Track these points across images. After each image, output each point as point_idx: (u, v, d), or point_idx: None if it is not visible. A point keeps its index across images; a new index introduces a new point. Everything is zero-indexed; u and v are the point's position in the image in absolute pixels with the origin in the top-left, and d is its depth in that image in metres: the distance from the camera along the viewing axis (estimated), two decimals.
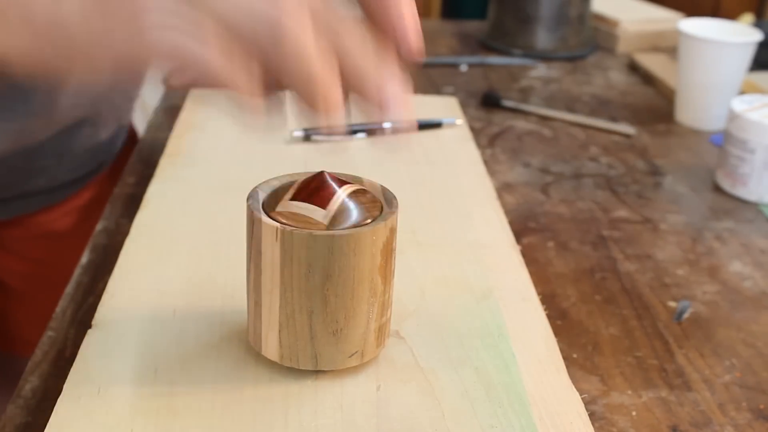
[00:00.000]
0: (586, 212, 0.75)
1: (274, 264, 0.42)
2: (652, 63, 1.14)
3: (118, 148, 0.87)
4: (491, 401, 0.44)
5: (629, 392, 0.52)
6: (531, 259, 0.66)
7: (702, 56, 0.93)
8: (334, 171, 0.45)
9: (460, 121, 0.80)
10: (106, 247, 0.63)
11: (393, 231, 0.43)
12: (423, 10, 2.77)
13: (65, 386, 0.43)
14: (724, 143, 0.81)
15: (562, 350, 0.50)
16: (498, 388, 0.45)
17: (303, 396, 0.44)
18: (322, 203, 0.42)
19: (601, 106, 1.02)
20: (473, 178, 0.69)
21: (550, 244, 0.69)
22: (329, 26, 0.39)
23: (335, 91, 0.39)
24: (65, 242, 0.84)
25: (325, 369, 0.44)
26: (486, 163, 0.80)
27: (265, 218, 0.42)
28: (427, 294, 0.53)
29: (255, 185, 0.45)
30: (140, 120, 0.96)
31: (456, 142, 0.76)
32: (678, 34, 0.95)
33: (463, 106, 0.96)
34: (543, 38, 1.20)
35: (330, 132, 0.40)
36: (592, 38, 1.25)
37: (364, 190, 0.45)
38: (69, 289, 0.58)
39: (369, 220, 0.43)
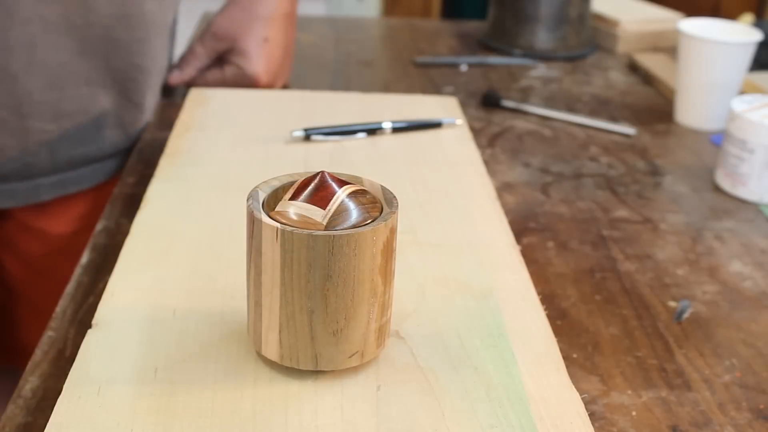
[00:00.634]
0: (586, 212, 0.75)
1: (274, 264, 0.42)
2: (652, 63, 1.14)
3: (125, 143, 0.85)
4: (491, 401, 0.44)
5: (629, 392, 0.52)
6: (531, 259, 0.66)
7: (702, 56, 0.93)
8: (334, 171, 0.45)
9: (460, 121, 0.80)
10: (106, 247, 0.63)
11: (393, 231, 0.43)
12: (423, 10, 2.78)
13: (65, 386, 0.43)
14: (723, 143, 0.81)
15: (562, 350, 0.50)
16: (498, 388, 0.45)
17: (303, 396, 0.44)
18: (322, 203, 0.42)
19: (601, 106, 1.02)
20: (473, 178, 0.69)
21: (550, 244, 0.69)
22: None
23: None
24: (65, 242, 0.84)
25: (325, 369, 0.44)
26: (486, 163, 0.80)
27: (265, 218, 0.42)
28: (427, 294, 0.53)
29: (255, 185, 0.45)
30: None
31: (456, 142, 0.76)
32: (678, 34, 0.95)
33: (463, 106, 0.96)
34: (543, 38, 1.20)
35: None
36: (592, 38, 1.25)
37: (364, 190, 0.45)
38: (69, 289, 0.58)
39: (369, 221, 0.43)
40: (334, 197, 0.43)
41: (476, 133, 0.90)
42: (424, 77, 1.09)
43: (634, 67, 1.16)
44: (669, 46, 1.23)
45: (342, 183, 0.44)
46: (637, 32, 1.24)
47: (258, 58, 0.89)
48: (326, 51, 1.18)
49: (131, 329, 0.48)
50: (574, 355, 0.56)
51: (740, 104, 0.80)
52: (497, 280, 0.55)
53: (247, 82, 0.90)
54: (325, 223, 0.42)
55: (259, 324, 0.44)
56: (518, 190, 0.79)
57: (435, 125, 0.78)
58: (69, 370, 0.45)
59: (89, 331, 0.48)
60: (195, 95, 0.82)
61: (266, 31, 0.89)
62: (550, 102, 1.02)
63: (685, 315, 0.61)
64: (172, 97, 0.93)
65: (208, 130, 0.75)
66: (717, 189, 0.81)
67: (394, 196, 0.45)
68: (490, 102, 0.99)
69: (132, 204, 0.68)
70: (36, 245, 0.85)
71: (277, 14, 0.90)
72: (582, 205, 0.77)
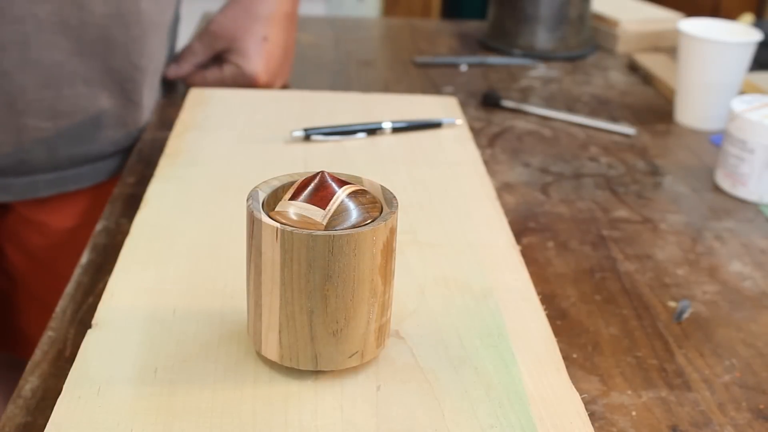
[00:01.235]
0: (586, 212, 0.75)
1: (274, 264, 0.42)
2: (652, 63, 1.14)
3: (124, 144, 0.84)
4: (491, 401, 0.44)
5: (629, 392, 0.52)
6: (531, 259, 0.66)
7: (702, 56, 0.93)
8: (334, 171, 0.45)
9: (460, 121, 0.80)
10: (106, 247, 0.63)
11: (393, 231, 0.43)
12: (423, 10, 2.78)
13: (65, 386, 0.43)
14: (723, 143, 0.81)
15: (562, 350, 0.50)
16: (498, 388, 0.45)
17: (303, 396, 0.44)
18: (322, 203, 0.42)
19: (601, 106, 1.02)
20: (473, 178, 0.69)
21: (550, 244, 0.69)
22: None
23: None
24: (65, 242, 0.84)
25: (325, 369, 0.44)
26: (486, 163, 0.80)
27: (265, 218, 0.42)
28: (427, 294, 0.53)
29: (255, 185, 0.45)
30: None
31: (456, 142, 0.76)
32: (678, 34, 0.95)
33: (463, 106, 0.96)
34: (543, 38, 1.20)
35: None
36: (592, 38, 1.25)
37: (364, 190, 0.45)
38: (69, 289, 0.58)
39: (369, 221, 0.43)
40: (334, 197, 0.43)
41: (476, 133, 0.90)
42: (424, 77, 1.09)
43: (634, 67, 1.16)
44: (669, 46, 1.23)
45: (342, 183, 0.44)
46: (637, 32, 1.24)
47: (257, 58, 0.89)
48: (326, 51, 1.18)
49: (131, 329, 0.48)
50: (574, 355, 0.56)
51: (740, 104, 0.80)
52: (497, 280, 0.55)
53: (245, 81, 0.89)
54: (325, 223, 0.42)
55: (259, 324, 0.44)
56: (518, 190, 0.79)
57: (435, 125, 0.78)
58: (69, 370, 0.45)
59: (89, 331, 0.48)
60: (195, 95, 0.82)
61: (266, 31, 0.89)
62: (550, 102, 1.02)
63: (685, 315, 0.61)
64: (172, 96, 0.93)
65: (208, 130, 0.75)
66: (717, 189, 0.81)
67: (394, 196, 0.45)
68: (490, 102, 0.99)
69: (132, 204, 0.68)
70: (37, 238, 0.85)
71: (277, 14, 0.90)
72: (582, 205, 0.77)
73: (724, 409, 0.52)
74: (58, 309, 0.56)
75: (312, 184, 0.43)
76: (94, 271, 0.60)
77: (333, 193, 0.43)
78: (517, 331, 0.50)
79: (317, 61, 1.13)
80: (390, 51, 1.24)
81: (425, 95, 0.92)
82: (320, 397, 0.44)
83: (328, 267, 0.41)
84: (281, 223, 0.42)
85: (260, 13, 0.89)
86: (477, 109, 0.98)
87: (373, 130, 0.76)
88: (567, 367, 0.48)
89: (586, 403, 0.46)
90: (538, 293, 0.55)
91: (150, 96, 0.86)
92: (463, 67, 1.13)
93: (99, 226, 0.66)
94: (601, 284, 0.64)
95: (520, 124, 0.95)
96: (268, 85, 0.91)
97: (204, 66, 0.92)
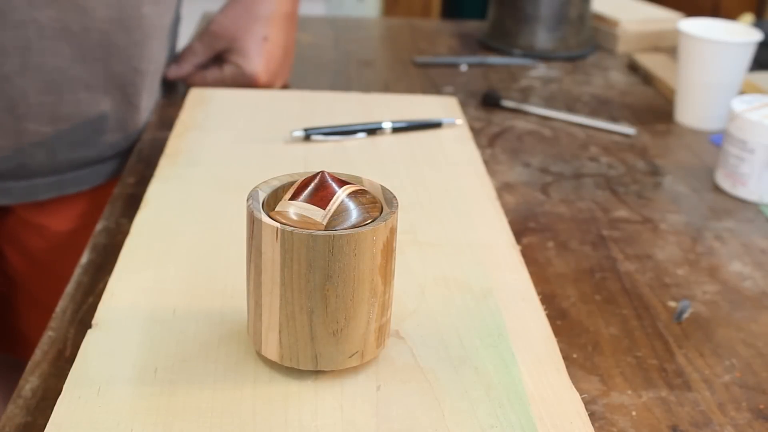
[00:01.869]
0: (586, 212, 0.75)
1: (274, 264, 0.42)
2: (652, 63, 1.14)
3: (124, 144, 0.84)
4: (491, 401, 0.44)
5: (629, 392, 0.52)
6: (531, 259, 0.66)
7: (702, 56, 0.93)
8: (334, 171, 0.45)
9: (460, 121, 0.80)
10: (106, 247, 0.63)
11: (393, 231, 0.43)
12: (423, 10, 2.78)
13: (65, 386, 0.43)
14: (723, 143, 0.81)
15: (562, 350, 0.50)
16: (498, 388, 0.45)
17: (303, 396, 0.44)
18: (322, 203, 0.42)
19: (601, 106, 1.02)
20: (473, 178, 0.69)
21: (550, 244, 0.69)
22: None
23: None
24: (64, 244, 0.84)
25: (325, 369, 0.44)
26: (486, 163, 0.80)
27: (265, 218, 0.42)
28: (427, 294, 0.53)
29: (255, 185, 0.45)
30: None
31: (456, 142, 0.76)
32: (678, 34, 0.95)
33: (463, 106, 0.96)
34: (543, 38, 1.20)
35: None
36: (592, 38, 1.25)
37: (364, 190, 0.45)
38: (69, 289, 0.58)
39: (369, 221, 0.43)
40: (334, 197, 0.43)
41: (476, 133, 0.90)
42: (424, 77, 1.09)
43: (634, 67, 1.16)
44: (669, 46, 1.23)
45: (342, 183, 0.44)
46: (637, 32, 1.24)
47: (257, 57, 0.89)
48: (326, 51, 1.18)
49: (131, 329, 0.48)
50: (574, 355, 0.56)
51: (740, 104, 0.80)
52: (497, 280, 0.55)
53: (245, 81, 0.89)
54: (325, 223, 0.42)
55: (259, 324, 0.44)
56: (518, 190, 0.79)
57: (435, 125, 0.78)
58: (69, 370, 0.45)
59: (89, 331, 0.48)
60: (195, 95, 0.82)
61: (266, 31, 0.89)
62: (550, 102, 1.02)
63: (685, 315, 0.61)
64: (172, 96, 0.93)
65: (207, 130, 0.75)
66: (717, 189, 0.81)
67: (394, 196, 0.45)
68: (490, 102, 0.99)
69: (132, 204, 0.68)
70: (36, 240, 0.85)
71: (277, 14, 0.90)
72: (582, 205, 0.77)
73: (724, 409, 0.52)
74: (58, 309, 0.56)
75: (312, 184, 0.43)
76: (94, 271, 0.60)
77: (333, 193, 0.43)
78: (517, 331, 0.50)
79: (317, 61, 1.13)
80: (390, 51, 1.24)
81: (425, 95, 0.92)
82: (320, 397, 0.44)
83: (328, 267, 0.41)
84: (281, 223, 0.42)
85: (260, 13, 0.89)
86: (477, 109, 0.98)
87: (373, 130, 0.76)
88: (567, 367, 0.48)
89: (586, 403, 0.46)
90: (538, 293, 0.55)
91: (149, 98, 0.86)
92: (463, 67, 1.13)
93: (99, 226, 0.66)
94: (601, 284, 0.64)
95: (520, 124, 0.95)
96: (268, 85, 0.91)
97: (204, 66, 0.92)
